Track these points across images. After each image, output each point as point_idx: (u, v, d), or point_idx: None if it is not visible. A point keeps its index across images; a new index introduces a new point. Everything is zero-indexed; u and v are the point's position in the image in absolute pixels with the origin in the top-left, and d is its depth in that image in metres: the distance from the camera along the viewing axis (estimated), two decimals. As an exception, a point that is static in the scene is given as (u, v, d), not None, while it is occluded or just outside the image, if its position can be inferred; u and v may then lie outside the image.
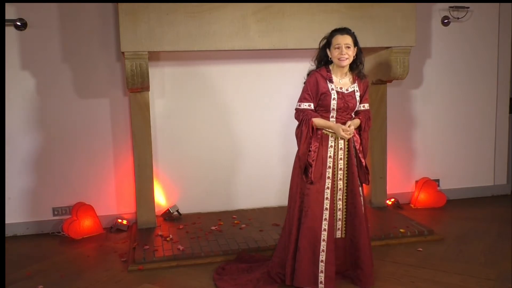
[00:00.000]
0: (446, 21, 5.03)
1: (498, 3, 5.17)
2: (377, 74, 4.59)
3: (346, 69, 3.13)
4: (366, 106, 3.23)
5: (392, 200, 5.02)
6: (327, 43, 3.12)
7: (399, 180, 5.15)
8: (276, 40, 4.08)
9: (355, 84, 3.15)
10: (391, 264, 3.59)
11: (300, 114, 3.12)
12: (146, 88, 4.12)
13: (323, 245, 3.11)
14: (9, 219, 4.38)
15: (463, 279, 3.34)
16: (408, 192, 5.19)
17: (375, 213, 4.65)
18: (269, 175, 4.87)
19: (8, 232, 4.39)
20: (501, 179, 5.48)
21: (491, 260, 3.65)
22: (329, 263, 3.11)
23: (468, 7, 5.03)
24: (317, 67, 3.19)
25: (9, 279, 3.46)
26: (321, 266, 3.11)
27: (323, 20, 4.05)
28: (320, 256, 3.10)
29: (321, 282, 3.11)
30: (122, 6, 3.79)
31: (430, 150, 5.23)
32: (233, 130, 4.79)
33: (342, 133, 3.05)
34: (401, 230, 4.12)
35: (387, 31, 4.27)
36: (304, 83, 3.18)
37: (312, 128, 3.08)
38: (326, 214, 3.12)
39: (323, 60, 3.16)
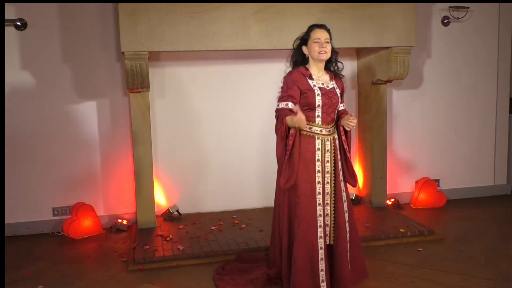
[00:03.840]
0: (446, 21, 5.03)
1: (498, 3, 5.17)
2: (378, 74, 4.59)
3: (323, 65, 3.10)
4: (344, 106, 3.21)
5: (392, 200, 5.02)
6: (304, 40, 3.09)
7: (399, 180, 5.15)
8: (276, 40, 4.09)
9: (333, 82, 3.12)
10: (391, 264, 3.59)
11: (276, 113, 3.05)
12: (146, 88, 4.12)
13: (321, 253, 2.98)
14: (9, 219, 4.38)
15: (463, 279, 3.34)
16: (408, 192, 5.18)
17: (375, 213, 4.65)
18: (269, 175, 4.84)
19: (8, 232, 4.39)
20: (501, 179, 5.48)
21: (491, 260, 3.65)
22: (328, 271, 3.02)
23: (468, 7, 5.03)
24: (293, 68, 3.14)
25: (9, 279, 3.46)
26: (322, 275, 2.98)
27: (323, 20, 3.99)
28: (320, 265, 2.98)
29: None
30: (122, 6, 3.80)
31: (430, 150, 5.22)
32: (233, 130, 4.79)
33: (296, 119, 2.82)
34: (401, 230, 4.12)
35: (387, 31, 4.27)
36: (282, 82, 3.10)
37: (287, 127, 2.94)
38: (320, 221, 3.00)
39: (299, 61, 3.13)
